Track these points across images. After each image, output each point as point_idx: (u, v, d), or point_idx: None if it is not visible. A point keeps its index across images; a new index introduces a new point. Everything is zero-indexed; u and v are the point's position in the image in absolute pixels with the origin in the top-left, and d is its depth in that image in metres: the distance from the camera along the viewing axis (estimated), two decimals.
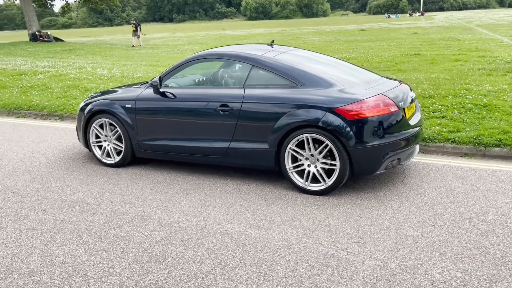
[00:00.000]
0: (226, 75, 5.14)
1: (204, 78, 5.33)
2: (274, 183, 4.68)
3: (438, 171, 4.86)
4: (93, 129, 5.48)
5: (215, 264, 3.17)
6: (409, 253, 3.21)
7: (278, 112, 4.33)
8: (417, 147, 4.85)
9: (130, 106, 5.15)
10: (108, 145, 5.45)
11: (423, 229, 3.56)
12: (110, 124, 5.36)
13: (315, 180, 4.34)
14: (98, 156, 5.52)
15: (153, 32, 49.60)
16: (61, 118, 8.47)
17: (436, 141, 5.57)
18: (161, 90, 5.01)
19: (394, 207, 4.00)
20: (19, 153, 6.22)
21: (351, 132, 4.06)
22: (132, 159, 5.36)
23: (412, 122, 4.51)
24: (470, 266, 3.03)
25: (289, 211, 3.99)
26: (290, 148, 4.33)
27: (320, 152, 4.23)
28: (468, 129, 5.78)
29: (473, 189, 4.33)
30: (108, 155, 5.48)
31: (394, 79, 5.03)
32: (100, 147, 5.54)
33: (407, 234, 3.50)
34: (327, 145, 4.17)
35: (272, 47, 5.12)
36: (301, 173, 4.40)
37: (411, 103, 4.60)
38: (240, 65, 4.86)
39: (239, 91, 4.58)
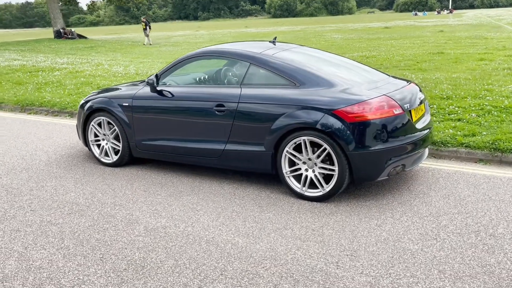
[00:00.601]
0: (224, 74, 4.94)
1: (204, 77, 5.14)
2: (271, 187, 4.46)
3: (449, 178, 4.54)
4: (91, 128, 5.37)
5: (195, 275, 2.97)
6: (404, 270, 2.95)
7: (274, 113, 4.10)
8: (426, 151, 4.55)
9: (127, 104, 5.02)
10: (106, 144, 5.33)
11: (424, 243, 3.28)
12: (108, 123, 5.24)
13: (313, 185, 4.10)
14: (97, 155, 5.41)
15: (176, 30, 49.84)
16: (71, 115, 8.44)
17: (449, 145, 5.24)
18: (158, 88, 4.85)
19: (396, 217, 3.72)
20: (23, 150, 6.18)
21: (351, 136, 3.80)
22: (130, 158, 5.23)
23: (420, 125, 4.22)
24: (471, 286, 2.75)
25: (282, 219, 3.77)
26: (287, 151, 4.11)
27: (318, 156, 3.99)
28: (484, 133, 5.42)
29: (485, 199, 4.01)
30: (107, 154, 5.36)
31: (402, 79, 4.74)
32: (99, 146, 5.43)
33: (405, 247, 3.23)
34: (325, 149, 3.93)
35: (274, 44, 4.89)
36: (298, 178, 4.17)
37: (419, 104, 4.31)
38: (238, 63, 4.65)
39: (235, 91, 4.38)
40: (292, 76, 4.18)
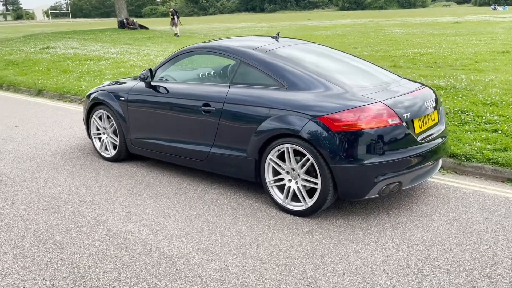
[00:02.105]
0: (216, 71, 4.64)
1: (200, 73, 4.87)
2: (258, 196, 4.11)
3: (462, 199, 3.94)
4: (93, 121, 5.30)
5: None
6: None
7: (259, 117, 3.74)
8: (438, 165, 3.98)
9: (123, 98, 4.87)
10: (106, 138, 5.24)
11: (400, 278, 2.80)
12: (108, 117, 5.13)
13: (296, 198, 3.71)
14: (97, 149, 5.33)
15: (238, 22, 50.01)
16: None
17: (473, 160, 4.58)
18: (153, 83, 4.65)
19: (380, 242, 3.25)
20: (39, 139, 6.28)
21: (335, 146, 3.36)
22: (128, 154, 5.09)
23: (428, 136, 3.68)
24: None
25: (252, 234, 3.42)
26: (270, 159, 3.74)
27: (302, 166, 3.58)
28: None
29: (496, 229, 3.40)
30: (107, 149, 5.27)
31: (416, 82, 4.17)
32: (100, 139, 5.35)
33: (375, 282, 2.77)
34: (308, 159, 3.51)
35: (277, 40, 4.50)
36: (283, 188, 3.79)
37: (430, 112, 3.76)
38: (230, 60, 4.31)
39: (223, 90, 4.06)
40: (281, 77, 3.79)
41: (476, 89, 7.52)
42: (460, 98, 6.81)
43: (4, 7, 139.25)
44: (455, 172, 4.60)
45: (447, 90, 7.52)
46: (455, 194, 4.06)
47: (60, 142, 6.10)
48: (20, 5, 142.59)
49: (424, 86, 4.04)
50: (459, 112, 6.04)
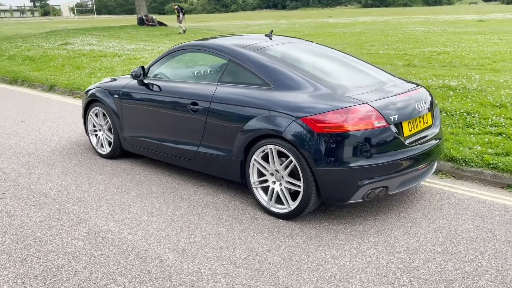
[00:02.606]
0: (207, 69, 4.58)
1: (193, 72, 4.81)
2: (245, 197, 4.04)
3: (457, 205, 3.79)
4: (90, 117, 5.31)
5: None
6: None
7: (243, 117, 3.67)
8: (431, 168, 3.84)
9: (117, 96, 4.86)
10: (102, 135, 5.24)
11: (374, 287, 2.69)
12: (104, 114, 5.13)
13: (280, 200, 3.62)
14: (94, 145, 5.35)
15: (258, 19, 49.88)
16: None
17: (472, 164, 4.40)
18: (145, 81, 4.62)
19: (361, 249, 3.14)
20: (41, 134, 6.35)
21: (318, 148, 3.26)
22: (122, 151, 5.08)
23: (419, 139, 3.55)
24: None
25: (231, 236, 3.35)
26: (255, 160, 3.66)
27: (286, 168, 3.50)
28: None
29: (487, 238, 3.25)
30: (103, 145, 5.27)
31: (411, 83, 4.03)
32: (96, 136, 5.36)
33: None
34: (292, 161, 3.42)
35: (270, 38, 4.41)
36: (267, 190, 3.71)
37: (422, 114, 3.62)
38: (219, 58, 4.24)
39: (211, 88, 4.00)
40: (267, 76, 3.70)
41: (487, 90, 7.26)
42: (469, 100, 6.59)
43: (32, 3, 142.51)
44: (453, 176, 4.44)
45: (457, 90, 7.29)
46: (449, 200, 3.91)
47: (61, 138, 6.15)
48: (47, 2, 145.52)
49: (418, 87, 3.89)
50: (465, 114, 5.84)
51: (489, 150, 4.58)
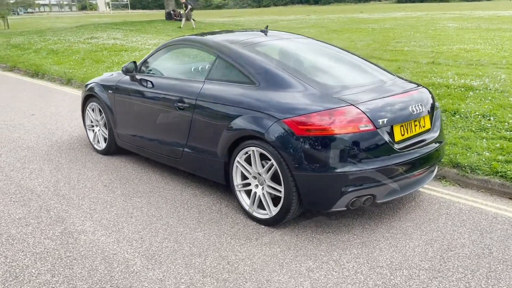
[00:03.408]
0: (198, 66, 4.41)
1: (186, 68, 4.65)
2: (231, 201, 3.86)
3: (455, 217, 3.50)
4: (87, 113, 5.26)
5: None
6: None
7: (227, 116, 3.49)
8: (430, 175, 3.57)
9: (111, 91, 4.77)
10: (98, 130, 5.18)
11: None
12: (100, 109, 5.06)
13: (262, 205, 3.43)
14: (91, 141, 5.29)
15: (289, 14, 49.41)
16: None
17: (479, 172, 4.07)
18: (138, 76, 4.50)
19: (341, 262, 2.91)
20: (47, 128, 6.36)
21: (299, 152, 3.04)
22: (117, 148, 5.00)
23: (414, 143, 3.29)
24: None
25: (206, 242, 3.19)
26: (238, 162, 3.48)
27: (268, 171, 3.30)
28: None
29: (481, 254, 2.96)
30: (99, 141, 5.21)
31: (412, 83, 3.74)
32: (93, 131, 5.30)
33: None
34: (273, 164, 3.22)
35: (266, 34, 4.21)
36: (250, 194, 3.52)
37: (419, 117, 3.35)
38: (208, 54, 4.07)
39: (197, 85, 3.83)
40: (253, 74, 3.50)
41: (510, 91, 6.81)
42: (488, 101, 6.18)
43: None
44: (458, 184, 4.13)
45: (478, 91, 6.86)
46: (449, 210, 3.62)
47: (64, 132, 6.14)
48: None
49: (418, 87, 3.61)
50: (480, 116, 5.46)
51: (499, 157, 4.24)
